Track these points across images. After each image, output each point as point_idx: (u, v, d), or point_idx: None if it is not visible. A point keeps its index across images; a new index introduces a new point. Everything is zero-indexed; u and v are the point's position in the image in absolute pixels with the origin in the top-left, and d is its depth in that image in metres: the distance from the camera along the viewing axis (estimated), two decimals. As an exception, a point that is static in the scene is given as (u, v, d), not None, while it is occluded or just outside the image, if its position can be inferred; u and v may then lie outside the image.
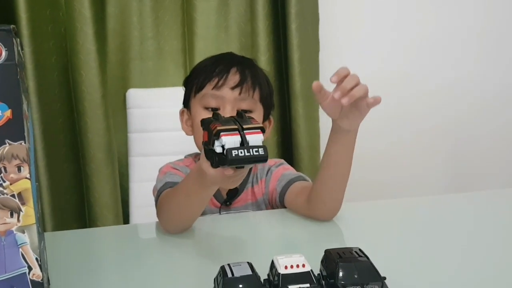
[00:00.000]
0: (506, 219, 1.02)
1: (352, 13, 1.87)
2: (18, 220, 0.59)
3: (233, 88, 1.05)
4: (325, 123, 1.79)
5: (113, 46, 1.67)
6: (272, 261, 0.64)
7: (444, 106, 2.01)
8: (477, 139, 2.06)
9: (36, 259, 0.61)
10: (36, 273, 0.61)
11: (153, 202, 1.05)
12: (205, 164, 0.74)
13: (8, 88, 0.58)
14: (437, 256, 0.84)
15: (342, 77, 0.82)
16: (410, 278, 0.74)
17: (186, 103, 1.14)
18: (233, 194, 1.14)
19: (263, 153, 0.68)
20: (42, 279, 0.61)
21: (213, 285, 0.64)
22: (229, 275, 0.61)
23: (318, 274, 0.66)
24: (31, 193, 0.60)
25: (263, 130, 0.70)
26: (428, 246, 0.89)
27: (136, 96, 1.63)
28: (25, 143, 0.59)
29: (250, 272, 0.61)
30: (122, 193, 1.67)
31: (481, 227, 0.98)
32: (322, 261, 0.67)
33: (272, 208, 1.14)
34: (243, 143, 0.68)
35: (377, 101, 0.84)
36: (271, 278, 0.63)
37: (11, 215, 0.59)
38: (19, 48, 0.60)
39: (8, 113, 0.58)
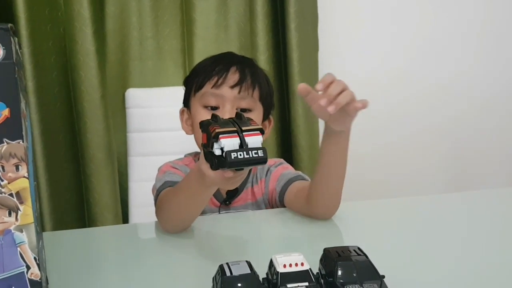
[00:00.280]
0: (504, 218, 1.02)
1: (351, 12, 1.87)
2: (16, 219, 0.59)
3: (232, 86, 1.05)
4: (324, 123, 1.81)
5: (112, 46, 1.67)
6: (271, 260, 0.64)
7: (443, 105, 2.01)
8: (476, 138, 2.06)
9: (35, 258, 0.61)
10: (35, 272, 0.61)
11: (153, 202, 1.05)
12: (205, 166, 0.74)
13: (6, 86, 0.57)
14: (435, 255, 0.84)
15: (327, 84, 0.82)
16: (408, 276, 0.74)
17: (186, 102, 1.14)
18: (233, 193, 1.14)
19: (262, 155, 0.68)
20: (40, 278, 0.61)
21: (211, 284, 0.64)
22: (228, 273, 0.61)
23: (317, 273, 0.66)
24: (29, 192, 0.60)
25: (262, 131, 0.70)
26: (426, 245, 0.89)
27: (136, 96, 1.63)
28: (23, 142, 0.59)
29: (248, 271, 0.61)
30: (121, 193, 1.67)
31: (480, 226, 0.98)
32: (321, 260, 0.67)
33: (272, 208, 1.14)
34: (242, 145, 0.68)
35: (364, 105, 0.83)
36: (269, 277, 0.63)
37: (9, 214, 0.59)
38: (17, 47, 0.60)
39: (6, 112, 0.58)
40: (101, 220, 1.63)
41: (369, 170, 1.96)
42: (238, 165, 0.68)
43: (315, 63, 1.77)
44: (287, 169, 1.15)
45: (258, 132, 0.70)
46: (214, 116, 0.74)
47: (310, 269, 0.62)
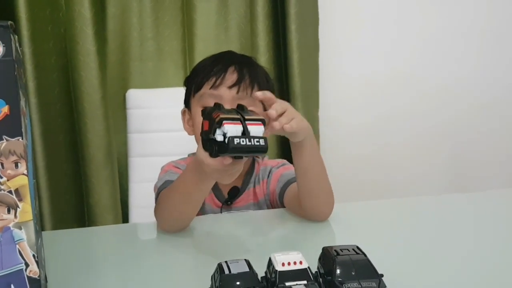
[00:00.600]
0: (504, 219, 1.02)
1: (351, 13, 1.88)
2: (15, 216, 0.59)
3: (230, 87, 1.05)
4: (325, 123, 1.81)
5: (113, 46, 1.67)
6: (270, 258, 0.64)
7: (443, 106, 2.01)
8: (476, 140, 2.06)
9: (33, 255, 0.61)
10: (33, 270, 0.61)
11: (153, 203, 1.04)
12: (203, 154, 0.75)
13: (5, 84, 0.58)
14: (435, 255, 0.83)
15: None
16: (407, 276, 0.74)
17: (187, 102, 1.14)
18: (234, 194, 1.14)
19: (263, 144, 0.69)
20: (39, 276, 0.61)
21: (210, 283, 0.64)
22: (226, 272, 0.61)
23: (316, 272, 0.65)
24: (28, 190, 0.60)
25: (264, 122, 0.71)
26: (426, 245, 0.89)
27: (136, 97, 1.63)
28: (22, 139, 0.59)
29: (247, 269, 0.61)
30: (121, 194, 1.67)
31: (478, 226, 0.98)
32: (319, 259, 0.67)
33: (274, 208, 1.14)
34: (245, 133, 0.68)
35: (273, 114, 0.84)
36: (268, 275, 0.63)
37: (8, 211, 0.59)
38: (17, 44, 0.60)
39: (5, 109, 0.58)
40: (101, 221, 1.62)
41: (369, 171, 1.96)
42: (240, 151, 0.69)
43: (315, 64, 1.77)
44: (288, 170, 1.14)
45: (261, 122, 0.70)
46: (217, 105, 0.75)
47: (308, 267, 0.62)
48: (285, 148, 1.80)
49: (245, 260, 0.64)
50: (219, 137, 0.69)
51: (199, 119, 1.01)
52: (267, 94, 0.88)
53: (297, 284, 0.59)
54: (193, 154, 1.17)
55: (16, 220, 0.59)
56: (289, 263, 0.61)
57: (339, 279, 0.60)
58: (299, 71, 1.69)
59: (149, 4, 1.67)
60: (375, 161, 1.98)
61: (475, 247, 0.87)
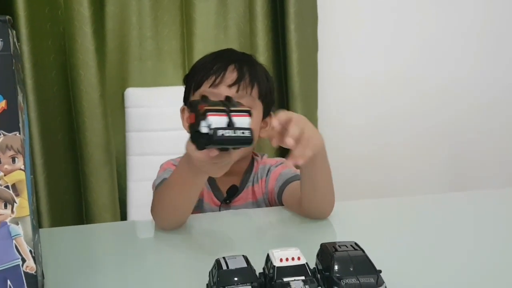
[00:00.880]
0: (504, 218, 1.01)
1: (350, 13, 1.88)
2: (12, 211, 0.59)
3: (230, 86, 1.05)
4: (324, 123, 1.81)
5: (112, 45, 1.67)
6: (268, 254, 0.64)
7: (443, 106, 2.01)
8: (477, 139, 2.06)
9: (30, 251, 0.60)
10: (30, 265, 0.61)
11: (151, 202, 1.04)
12: (191, 147, 0.74)
13: (3, 78, 0.58)
14: (434, 253, 0.83)
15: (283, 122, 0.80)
16: (406, 273, 0.74)
17: (186, 100, 1.14)
18: (233, 192, 1.13)
19: (249, 135, 0.69)
20: (35, 272, 0.61)
21: (208, 278, 0.64)
22: (224, 267, 0.60)
23: (314, 268, 0.65)
24: (25, 185, 0.60)
25: (250, 113, 0.70)
26: (425, 243, 0.89)
27: (135, 95, 1.63)
28: (20, 134, 0.59)
29: (245, 265, 0.61)
30: (120, 193, 1.67)
31: (478, 225, 0.98)
32: (317, 255, 0.66)
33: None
34: (230, 125, 0.68)
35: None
36: (266, 271, 0.63)
37: (5, 206, 0.59)
38: (15, 39, 0.60)
39: (3, 103, 0.58)
40: (99, 220, 1.62)
41: (369, 170, 1.96)
42: (225, 143, 0.68)
43: (314, 64, 1.77)
44: (287, 168, 1.14)
45: (247, 113, 0.70)
46: (204, 97, 0.74)
47: (306, 263, 0.61)
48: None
49: (243, 256, 0.64)
50: (204, 129, 0.68)
51: None
52: (283, 118, 0.81)
53: (295, 280, 0.59)
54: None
55: (13, 215, 0.59)
56: (287, 259, 0.61)
57: (337, 275, 0.60)
58: (298, 71, 1.69)
59: (148, 3, 1.67)
60: (375, 161, 1.97)
61: (475, 246, 0.87)
